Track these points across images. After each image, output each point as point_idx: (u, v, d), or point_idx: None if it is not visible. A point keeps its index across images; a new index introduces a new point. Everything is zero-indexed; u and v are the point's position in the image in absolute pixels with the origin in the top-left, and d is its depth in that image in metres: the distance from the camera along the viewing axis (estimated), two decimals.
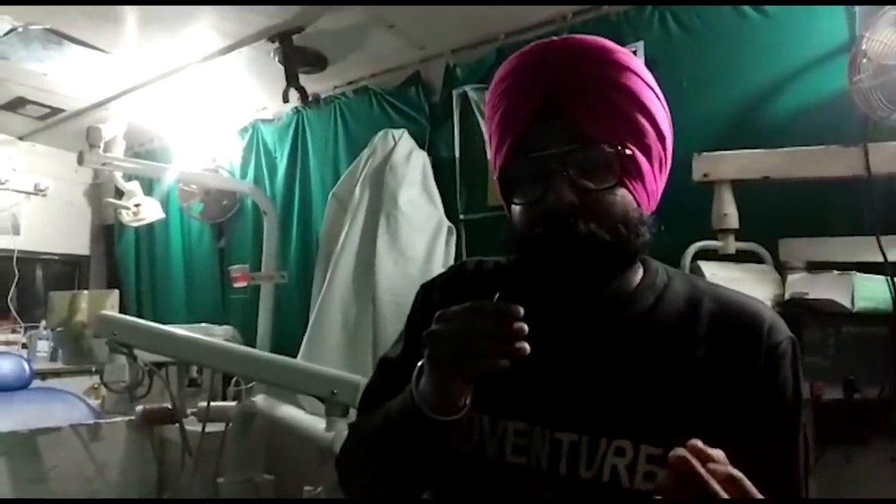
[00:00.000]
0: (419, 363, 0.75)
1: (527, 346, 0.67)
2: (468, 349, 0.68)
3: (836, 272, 1.58)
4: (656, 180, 0.81)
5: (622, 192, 0.77)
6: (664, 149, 0.81)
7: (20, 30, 2.62)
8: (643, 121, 0.78)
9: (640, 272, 0.84)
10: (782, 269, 1.74)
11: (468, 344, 0.68)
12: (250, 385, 2.67)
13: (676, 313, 0.81)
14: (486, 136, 0.88)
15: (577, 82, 0.77)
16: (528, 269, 0.80)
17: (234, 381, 2.82)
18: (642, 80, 0.79)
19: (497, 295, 0.70)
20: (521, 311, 0.67)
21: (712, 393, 0.76)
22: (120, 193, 3.52)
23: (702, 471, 0.58)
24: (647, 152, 0.79)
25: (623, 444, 0.75)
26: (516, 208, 0.81)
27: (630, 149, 0.77)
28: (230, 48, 2.80)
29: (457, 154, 2.71)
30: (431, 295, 0.94)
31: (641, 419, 0.75)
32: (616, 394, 0.77)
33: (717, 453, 0.60)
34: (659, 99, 0.81)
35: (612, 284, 0.81)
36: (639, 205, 0.79)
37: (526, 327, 0.67)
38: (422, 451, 0.78)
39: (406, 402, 0.75)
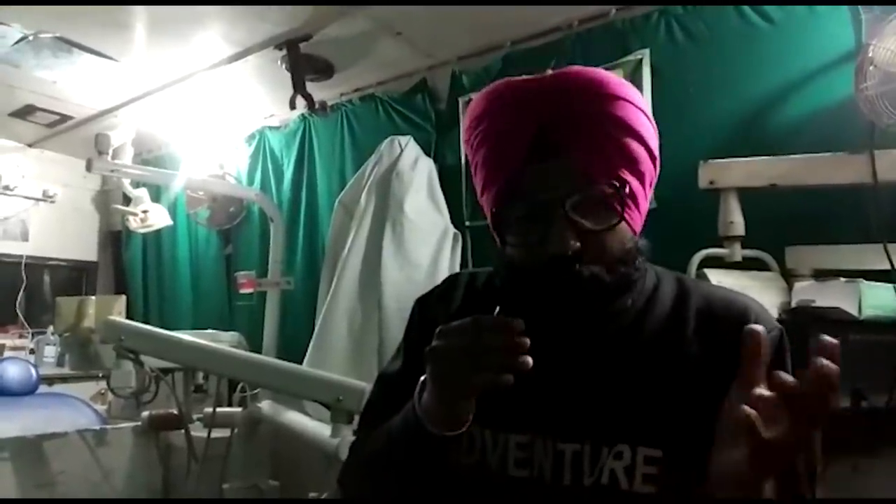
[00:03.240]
0: (422, 378, 0.75)
1: (529, 360, 0.67)
2: (471, 365, 0.68)
3: (842, 280, 1.58)
4: (646, 199, 0.82)
5: (622, 227, 0.77)
6: (654, 168, 0.82)
7: (30, 38, 2.64)
8: (638, 148, 0.78)
9: None
10: (789, 277, 1.74)
11: (471, 359, 0.68)
12: (256, 391, 2.67)
13: (666, 315, 0.82)
14: (472, 164, 0.85)
15: (572, 120, 0.76)
16: (526, 305, 0.78)
17: (239, 387, 2.82)
18: (636, 106, 0.79)
19: (497, 309, 0.70)
20: (523, 324, 0.67)
21: (705, 389, 0.76)
22: (128, 200, 3.55)
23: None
24: (641, 178, 0.79)
25: (621, 448, 0.75)
26: (511, 247, 0.80)
27: (628, 182, 0.76)
28: (238, 56, 2.82)
29: (462, 161, 2.72)
30: (428, 309, 0.94)
31: (638, 422, 0.76)
32: (613, 400, 0.77)
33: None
34: (650, 120, 0.80)
35: None
36: (634, 233, 0.79)
37: (528, 341, 0.67)
38: (425, 467, 0.78)
39: (408, 418, 0.75)
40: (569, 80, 0.78)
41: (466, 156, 0.87)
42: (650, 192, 0.83)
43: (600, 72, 0.79)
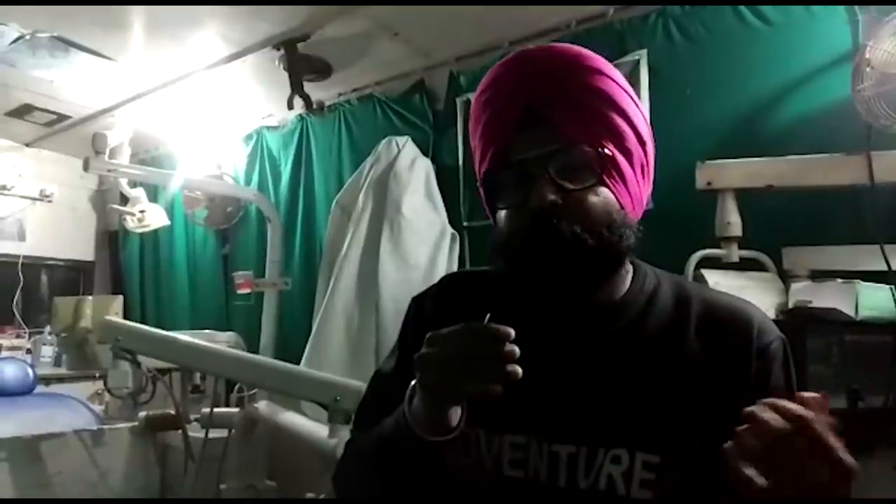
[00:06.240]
0: (412, 382, 0.74)
1: (519, 370, 0.67)
2: (460, 373, 0.67)
3: (839, 281, 1.58)
4: (639, 185, 0.82)
5: (604, 193, 0.77)
6: (645, 154, 0.82)
7: (27, 37, 2.64)
8: (622, 123, 0.79)
9: (629, 277, 0.84)
10: (786, 278, 1.74)
11: (460, 368, 0.67)
12: (253, 391, 2.67)
13: (666, 318, 0.81)
14: (473, 147, 0.89)
15: (555, 89, 0.78)
16: (515, 273, 0.81)
17: (237, 387, 2.82)
18: (618, 84, 0.81)
19: (488, 316, 0.70)
20: (512, 332, 0.67)
21: (705, 397, 0.76)
22: (125, 200, 3.55)
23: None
24: (628, 155, 0.79)
25: (619, 453, 0.75)
26: (501, 213, 0.82)
27: (609, 149, 0.77)
28: (235, 56, 2.82)
29: (460, 161, 2.72)
30: (423, 309, 0.94)
31: (636, 427, 0.75)
32: (611, 403, 0.77)
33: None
34: (637, 105, 0.82)
35: (602, 291, 0.81)
36: (622, 207, 0.79)
37: (517, 350, 0.67)
38: (416, 471, 0.78)
39: (399, 423, 0.75)
40: (555, 53, 0.82)
41: (469, 147, 0.90)
42: (645, 184, 0.83)
43: (581, 48, 0.82)
